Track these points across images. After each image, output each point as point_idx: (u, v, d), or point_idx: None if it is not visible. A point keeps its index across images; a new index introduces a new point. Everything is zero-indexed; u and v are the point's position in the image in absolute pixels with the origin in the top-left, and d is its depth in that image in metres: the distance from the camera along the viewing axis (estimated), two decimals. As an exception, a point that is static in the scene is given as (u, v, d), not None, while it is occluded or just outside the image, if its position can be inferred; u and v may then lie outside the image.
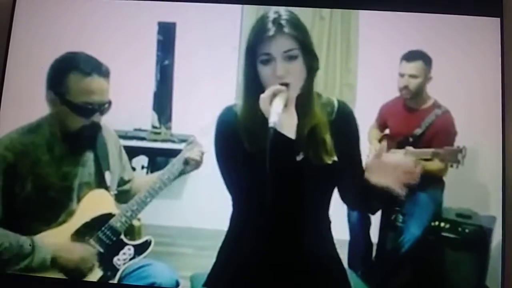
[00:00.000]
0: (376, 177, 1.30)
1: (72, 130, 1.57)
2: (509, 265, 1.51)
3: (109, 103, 1.59)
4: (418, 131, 1.70)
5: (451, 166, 1.62)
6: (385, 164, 1.28)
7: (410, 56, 1.68)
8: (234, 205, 1.40)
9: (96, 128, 1.59)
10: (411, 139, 1.70)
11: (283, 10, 1.33)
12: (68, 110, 1.56)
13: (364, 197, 1.35)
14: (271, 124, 1.23)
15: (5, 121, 1.66)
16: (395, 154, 1.26)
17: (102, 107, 1.58)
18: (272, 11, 1.33)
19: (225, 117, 1.38)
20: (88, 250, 1.57)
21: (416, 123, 1.71)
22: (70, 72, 1.56)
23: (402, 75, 1.71)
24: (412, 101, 1.73)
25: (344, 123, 1.38)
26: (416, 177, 1.28)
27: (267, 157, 1.23)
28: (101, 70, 1.57)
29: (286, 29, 1.30)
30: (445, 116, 1.66)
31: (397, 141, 1.72)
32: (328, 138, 1.34)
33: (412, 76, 1.70)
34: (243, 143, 1.32)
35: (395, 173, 1.27)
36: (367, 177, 1.32)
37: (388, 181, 1.28)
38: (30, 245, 1.52)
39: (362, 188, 1.33)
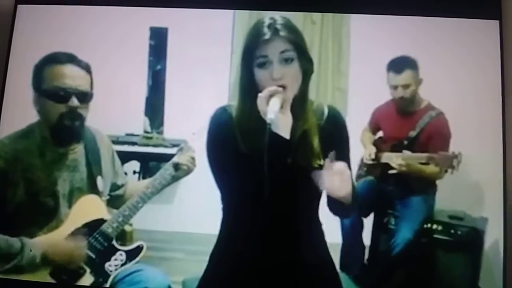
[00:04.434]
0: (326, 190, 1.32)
1: (54, 122, 1.57)
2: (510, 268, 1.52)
3: (89, 94, 1.60)
4: (412, 133, 1.70)
5: (446, 171, 1.62)
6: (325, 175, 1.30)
7: (397, 67, 1.68)
8: (224, 208, 1.39)
9: (77, 116, 1.58)
10: (406, 142, 1.70)
11: (277, 16, 1.34)
12: (45, 99, 1.57)
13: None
14: (268, 121, 1.25)
15: (5, 124, 1.68)
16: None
17: (77, 92, 1.57)
18: (267, 17, 1.34)
19: (219, 117, 1.37)
20: (78, 245, 1.56)
21: (410, 125, 1.71)
22: (45, 66, 1.59)
23: (395, 87, 1.71)
24: (406, 105, 1.73)
25: (333, 128, 1.38)
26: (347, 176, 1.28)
27: (264, 155, 1.24)
28: (77, 61, 1.60)
29: (282, 33, 1.31)
30: (439, 117, 1.66)
31: (391, 144, 1.73)
32: (316, 142, 1.34)
33: (405, 86, 1.70)
34: (237, 143, 1.32)
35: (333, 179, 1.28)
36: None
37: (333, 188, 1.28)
38: (19, 246, 1.52)
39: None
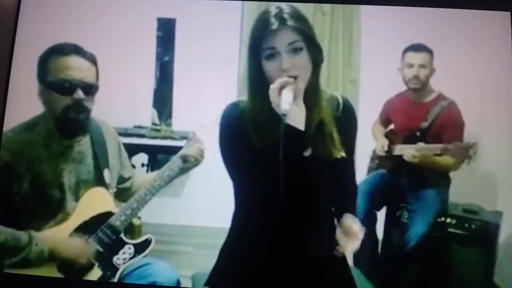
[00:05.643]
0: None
1: (59, 114, 1.55)
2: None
3: (94, 86, 1.57)
4: (424, 124, 1.68)
5: (463, 161, 1.60)
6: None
7: (417, 48, 1.67)
8: (236, 203, 1.38)
9: (82, 109, 1.56)
10: (418, 133, 1.68)
11: (284, 5, 1.33)
12: (50, 91, 1.55)
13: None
14: (283, 112, 1.23)
15: (11, 116, 1.64)
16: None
17: (82, 84, 1.55)
18: (273, 6, 1.32)
19: (231, 113, 1.36)
20: (87, 242, 1.54)
21: (422, 116, 1.69)
22: (50, 57, 1.57)
23: (411, 66, 1.68)
24: (417, 95, 1.71)
25: (348, 120, 1.38)
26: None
27: (280, 148, 1.22)
28: (82, 53, 1.57)
29: (289, 22, 1.29)
30: (450, 107, 1.64)
31: (403, 136, 1.71)
32: (335, 133, 1.33)
33: (421, 66, 1.68)
34: (250, 139, 1.31)
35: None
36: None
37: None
38: (27, 239, 1.50)
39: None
